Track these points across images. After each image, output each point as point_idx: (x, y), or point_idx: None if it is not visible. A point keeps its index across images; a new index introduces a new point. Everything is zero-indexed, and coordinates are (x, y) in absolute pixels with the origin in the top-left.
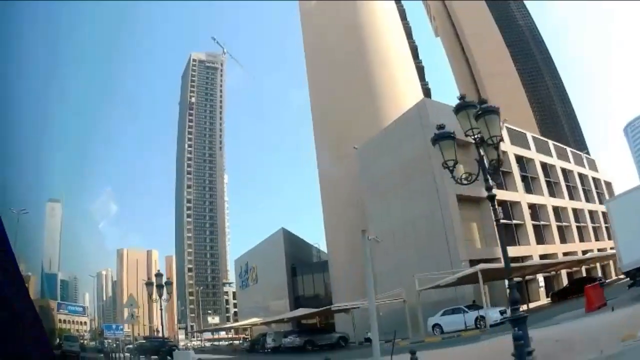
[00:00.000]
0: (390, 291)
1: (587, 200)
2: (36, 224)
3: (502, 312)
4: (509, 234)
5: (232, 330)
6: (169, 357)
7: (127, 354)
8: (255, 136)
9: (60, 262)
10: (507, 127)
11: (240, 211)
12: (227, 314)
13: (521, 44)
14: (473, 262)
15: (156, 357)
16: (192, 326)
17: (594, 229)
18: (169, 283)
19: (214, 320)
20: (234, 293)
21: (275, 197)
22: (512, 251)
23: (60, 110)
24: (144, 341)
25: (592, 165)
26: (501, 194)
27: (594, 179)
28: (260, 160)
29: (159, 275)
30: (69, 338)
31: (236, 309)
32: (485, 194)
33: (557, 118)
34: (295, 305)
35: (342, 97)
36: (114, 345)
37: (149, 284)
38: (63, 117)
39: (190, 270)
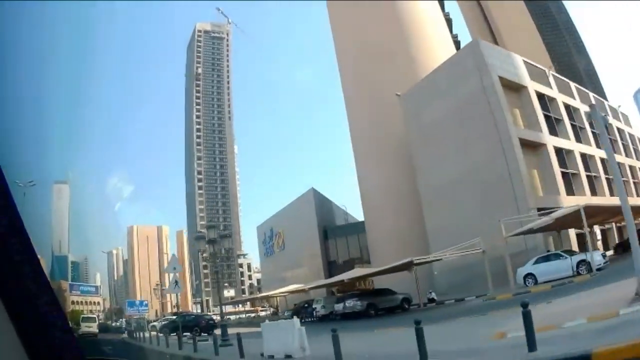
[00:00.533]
0: (456, 245)
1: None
2: (43, 205)
3: (603, 256)
4: (567, 184)
5: (248, 303)
6: (205, 334)
7: (154, 333)
8: (265, 106)
9: (69, 244)
10: (553, 75)
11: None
12: (242, 287)
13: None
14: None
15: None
16: (207, 300)
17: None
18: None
19: (229, 293)
20: (248, 265)
21: (288, 167)
22: (572, 201)
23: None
24: (173, 317)
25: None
26: (556, 142)
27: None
28: (271, 129)
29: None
30: (86, 319)
31: (251, 281)
32: (545, 139)
33: (578, 75)
34: (329, 270)
35: (373, 47)
36: (133, 324)
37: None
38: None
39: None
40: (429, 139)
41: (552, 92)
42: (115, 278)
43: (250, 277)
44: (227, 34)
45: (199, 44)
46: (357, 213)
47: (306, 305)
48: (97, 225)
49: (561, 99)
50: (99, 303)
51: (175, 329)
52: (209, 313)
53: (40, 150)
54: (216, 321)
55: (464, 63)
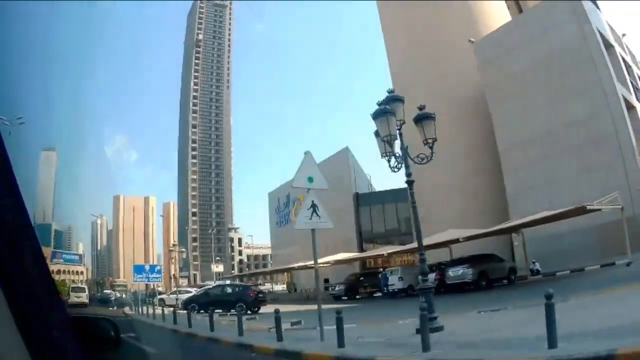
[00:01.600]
0: (547, 207)
1: None
2: (28, 172)
3: None
4: None
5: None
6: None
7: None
8: (265, 79)
9: (53, 212)
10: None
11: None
12: (232, 262)
13: None
14: None
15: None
16: (194, 275)
17: None
18: None
19: (217, 269)
20: (239, 239)
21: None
22: None
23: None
24: (203, 289)
25: None
26: None
27: None
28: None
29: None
30: (76, 289)
31: (241, 257)
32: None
33: None
34: (360, 241)
35: None
36: (121, 295)
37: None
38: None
39: (194, 214)
40: (512, 92)
41: (627, 58)
42: (99, 248)
43: (240, 253)
44: (230, 3)
45: (201, 10)
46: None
47: (361, 278)
48: (83, 194)
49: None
50: (82, 272)
51: (208, 304)
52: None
53: (28, 115)
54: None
55: (558, 8)
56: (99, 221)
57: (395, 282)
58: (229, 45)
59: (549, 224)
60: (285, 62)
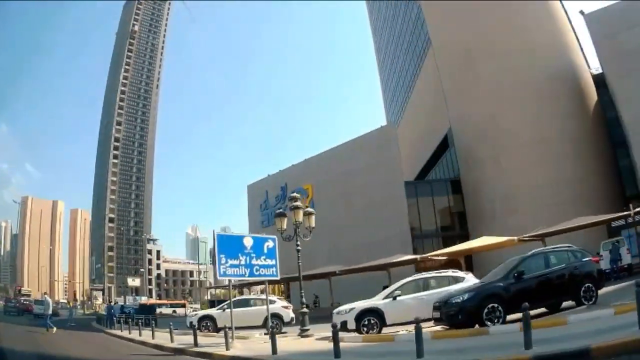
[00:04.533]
0: None
1: None
2: None
3: None
4: None
5: (158, 296)
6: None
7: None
8: (195, 83)
9: None
10: None
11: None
12: (150, 277)
13: None
14: None
15: None
16: (109, 288)
17: None
18: None
19: (134, 282)
20: (158, 252)
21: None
22: None
23: None
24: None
25: None
26: None
27: None
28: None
29: None
30: None
31: (159, 271)
32: None
33: None
34: (412, 240)
35: None
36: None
37: None
38: None
39: (112, 220)
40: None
41: None
42: (1, 253)
43: (158, 267)
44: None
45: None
46: None
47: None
48: None
49: None
50: None
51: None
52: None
53: None
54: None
55: None
56: (3, 224)
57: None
58: (163, 42)
59: None
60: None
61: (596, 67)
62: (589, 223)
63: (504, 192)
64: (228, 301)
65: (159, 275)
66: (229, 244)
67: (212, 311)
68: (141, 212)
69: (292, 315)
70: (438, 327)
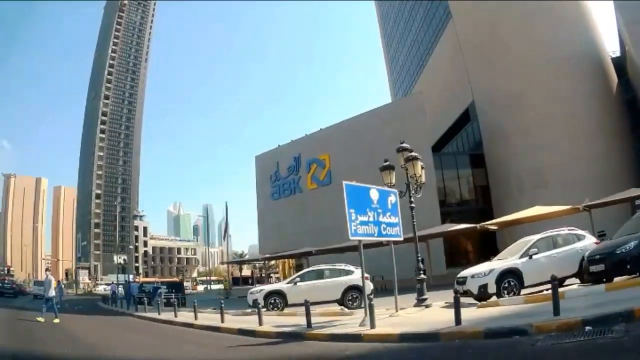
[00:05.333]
0: None
1: None
2: None
3: None
4: None
5: (145, 274)
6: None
7: None
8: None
9: None
10: None
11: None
12: (136, 254)
13: None
14: None
15: None
16: (95, 266)
17: None
18: None
19: (120, 260)
20: (144, 229)
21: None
22: None
23: None
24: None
25: None
26: None
27: None
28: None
29: None
30: None
31: (146, 248)
32: None
33: None
34: (441, 215)
35: None
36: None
37: None
38: None
39: (98, 197)
40: None
41: None
42: None
43: (145, 244)
44: None
45: None
46: None
47: None
48: None
49: None
50: None
51: None
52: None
53: None
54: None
55: None
56: None
57: None
58: (153, 15)
59: None
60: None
61: (613, 50)
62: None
63: (532, 166)
64: (300, 273)
65: (145, 253)
66: (357, 197)
67: (281, 285)
68: (128, 188)
69: (372, 286)
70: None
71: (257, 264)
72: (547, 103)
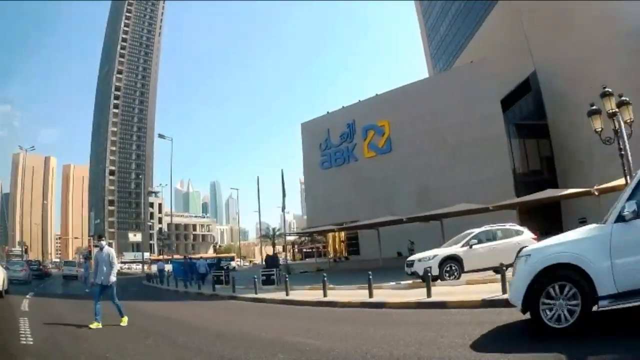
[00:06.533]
0: None
1: None
2: None
3: None
4: None
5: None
6: None
7: None
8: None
9: None
10: None
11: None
12: (151, 231)
13: None
14: None
15: None
16: (110, 243)
17: None
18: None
19: (135, 237)
20: (159, 205)
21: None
22: None
23: None
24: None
25: None
26: None
27: None
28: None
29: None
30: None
31: (161, 225)
32: None
33: None
34: (515, 185)
35: None
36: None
37: None
38: None
39: (112, 173)
40: None
41: None
42: None
43: (160, 221)
44: None
45: None
46: None
47: None
48: None
49: None
50: None
51: None
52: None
53: None
54: None
55: None
56: None
57: None
58: None
59: None
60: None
61: None
62: None
63: (603, 138)
64: (472, 234)
65: (160, 230)
66: None
67: (456, 250)
68: (142, 164)
69: None
70: None
71: (293, 240)
72: (614, 75)
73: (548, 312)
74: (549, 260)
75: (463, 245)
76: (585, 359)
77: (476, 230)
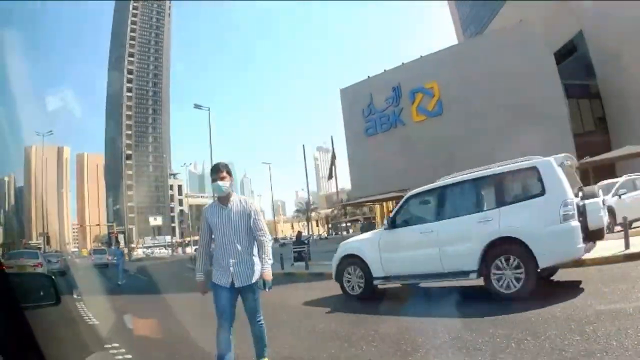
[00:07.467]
0: None
1: None
2: None
3: None
4: None
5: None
6: None
7: None
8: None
9: None
10: None
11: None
12: (172, 214)
13: None
14: None
15: None
16: (130, 229)
17: None
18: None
19: (156, 222)
20: (179, 187)
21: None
22: None
23: None
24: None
25: None
26: None
27: None
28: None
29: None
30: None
31: (182, 207)
32: None
33: None
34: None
35: None
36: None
37: None
38: None
39: (129, 157)
40: None
41: None
42: (7, 209)
43: (181, 203)
44: None
45: None
46: None
47: None
48: None
49: None
50: None
51: None
52: None
53: None
54: None
55: None
56: (6, 178)
57: None
58: None
59: None
60: None
61: None
62: None
63: None
64: (619, 181)
65: (181, 212)
66: None
67: (609, 200)
68: (160, 147)
69: None
70: None
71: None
72: None
73: None
74: (347, 250)
75: (613, 196)
76: None
77: (621, 179)
